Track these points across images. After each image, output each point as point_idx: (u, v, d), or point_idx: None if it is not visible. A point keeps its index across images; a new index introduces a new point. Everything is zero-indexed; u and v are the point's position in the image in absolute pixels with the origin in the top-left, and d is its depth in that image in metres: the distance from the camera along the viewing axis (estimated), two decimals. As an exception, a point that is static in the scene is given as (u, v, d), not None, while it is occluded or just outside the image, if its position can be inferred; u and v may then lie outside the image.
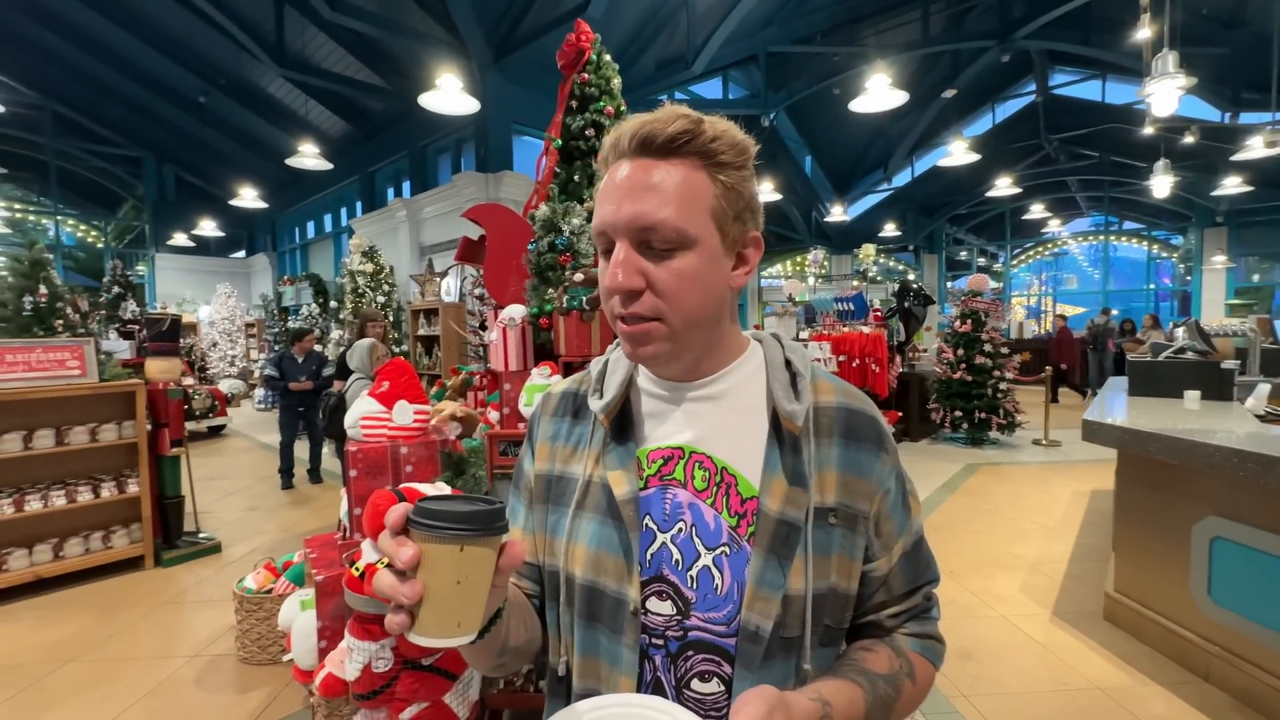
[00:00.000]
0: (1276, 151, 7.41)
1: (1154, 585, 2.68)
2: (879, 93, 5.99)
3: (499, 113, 8.52)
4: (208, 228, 13.05)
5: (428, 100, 5.72)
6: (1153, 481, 2.69)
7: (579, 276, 2.37)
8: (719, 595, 0.62)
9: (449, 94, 5.60)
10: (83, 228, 15.23)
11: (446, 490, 1.91)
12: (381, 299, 8.97)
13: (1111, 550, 3.13)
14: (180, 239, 14.30)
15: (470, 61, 8.18)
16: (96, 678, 2.58)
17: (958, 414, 6.89)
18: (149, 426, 3.86)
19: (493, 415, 2.63)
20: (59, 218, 14.24)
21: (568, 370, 2.35)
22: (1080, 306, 16.52)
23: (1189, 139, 9.07)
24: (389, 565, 0.47)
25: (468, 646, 0.52)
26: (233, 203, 10.52)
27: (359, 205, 12.00)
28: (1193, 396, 3.06)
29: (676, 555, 0.64)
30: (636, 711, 0.56)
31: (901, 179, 15.93)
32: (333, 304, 10.09)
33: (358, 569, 1.78)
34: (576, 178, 2.97)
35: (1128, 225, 15.45)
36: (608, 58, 3.01)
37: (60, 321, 3.90)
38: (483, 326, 5.26)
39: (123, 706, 2.37)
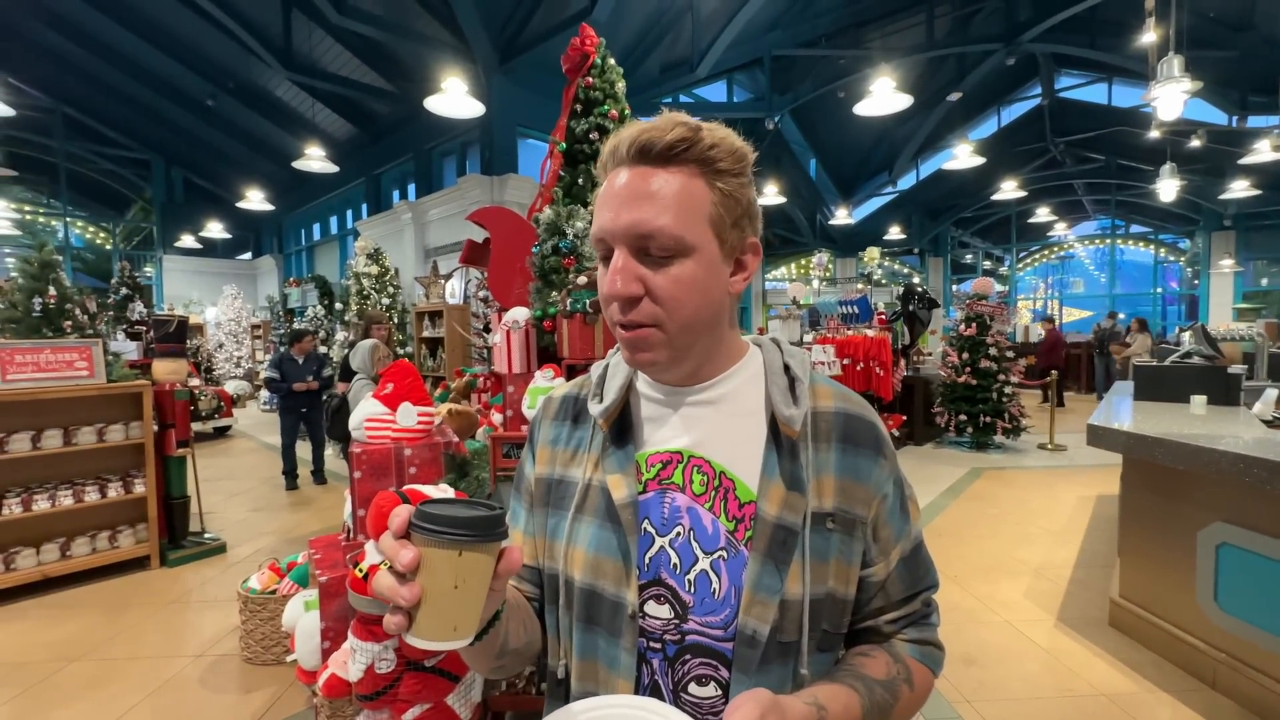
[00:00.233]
0: (1284, 155, 7.36)
1: (1160, 591, 2.67)
2: (884, 96, 5.98)
3: (504, 116, 8.55)
4: (215, 230, 13.16)
5: (433, 103, 5.75)
6: (1158, 487, 2.67)
7: (583, 280, 2.38)
8: (716, 599, 0.62)
9: (454, 97, 5.63)
10: (91, 229, 15.37)
11: (450, 492, 1.92)
12: (386, 301, 9.00)
13: (1117, 556, 3.11)
14: (187, 241, 14.42)
15: (475, 65, 8.22)
16: (102, 676, 2.60)
17: (962, 418, 6.86)
18: (155, 427, 3.88)
19: (496, 418, 2.64)
20: (68, 219, 14.37)
21: (571, 373, 2.36)
22: (1087, 310, 16.45)
23: (1196, 142, 9.01)
24: (390, 567, 0.48)
25: (466, 648, 0.52)
26: (239, 205, 10.59)
27: (365, 207, 12.07)
28: (1199, 401, 3.04)
29: (675, 559, 0.64)
30: (632, 713, 0.57)
31: (906, 182, 15.90)
32: (338, 306, 10.14)
33: (361, 570, 1.79)
34: (581, 181, 2.98)
35: (1134, 229, 15.35)
36: (612, 61, 3.02)
37: (69, 323, 3.94)
38: (487, 329, 5.29)
39: (128, 705, 2.39)
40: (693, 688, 0.63)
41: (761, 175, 10.06)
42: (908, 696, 0.67)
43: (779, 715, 0.54)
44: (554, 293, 2.56)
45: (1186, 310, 14.64)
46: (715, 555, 0.63)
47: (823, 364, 6.37)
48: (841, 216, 13.55)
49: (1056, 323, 10.77)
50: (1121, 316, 11.12)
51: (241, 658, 2.71)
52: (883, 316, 7.53)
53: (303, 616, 2.30)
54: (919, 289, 8.09)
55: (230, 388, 10.39)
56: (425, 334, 7.79)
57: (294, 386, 5.54)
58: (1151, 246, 15.19)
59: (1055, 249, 16.74)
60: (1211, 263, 12.82)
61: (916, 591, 0.70)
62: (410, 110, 9.25)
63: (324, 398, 5.99)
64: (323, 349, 9.32)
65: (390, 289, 9.16)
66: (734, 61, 10.52)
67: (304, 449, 6.10)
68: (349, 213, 13.15)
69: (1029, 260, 17.50)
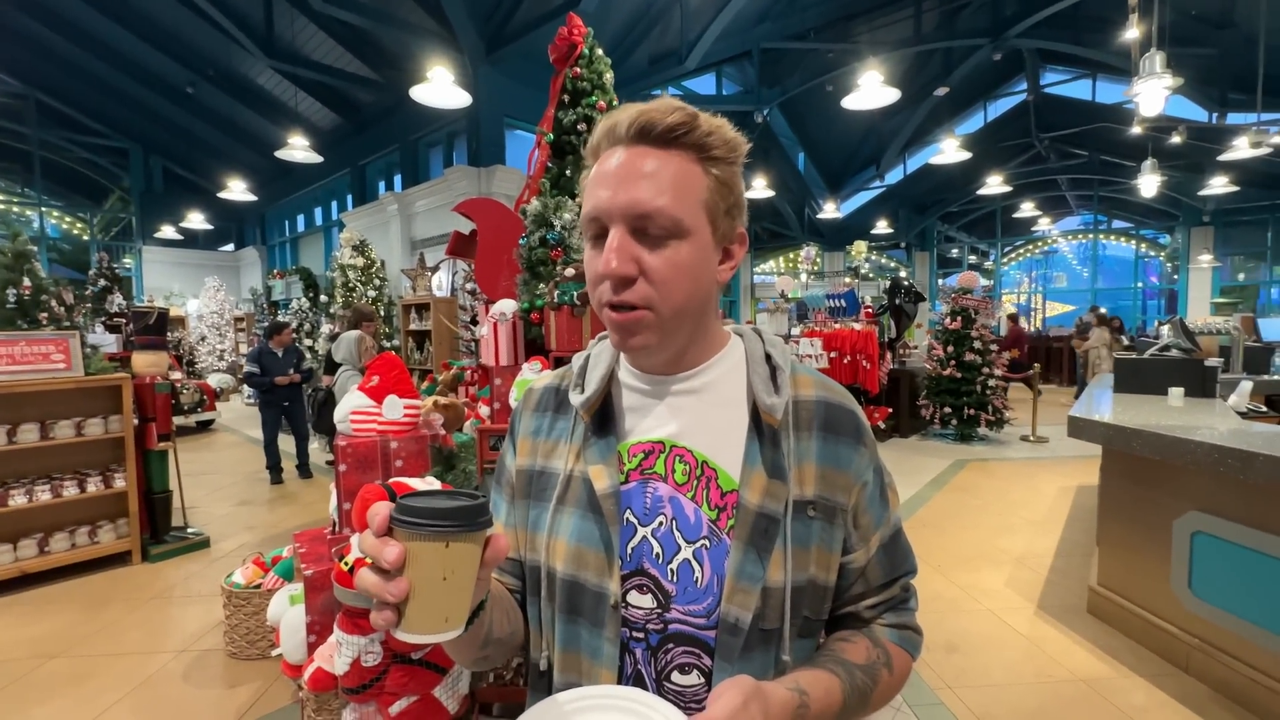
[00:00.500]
0: (1262, 152, 7.49)
1: (1136, 579, 2.73)
2: (872, 90, 6.00)
3: (491, 106, 8.47)
4: (196, 220, 12.92)
5: (419, 93, 5.67)
6: (1136, 477, 2.73)
7: (570, 272, 2.37)
8: (699, 588, 0.63)
9: (440, 87, 5.56)
10: (68, 220, 15.04)
11: (436, 485, 1.91)
12: (372, 293, 8.92)
13: (1095, 545, 3.17)
14: (168, 232, 14.12)
15: (462, 54, 8.13)
16: (83, 673, 2.57)
17: (947, 410, 6.95)
18: (136, 421, 3.82)
19: (483, 410, 2.63)
20: (43, 209, 14.05)
21: (558, 365, 2.35)
22: (1070, 304, 16.67)
23: (1176, 139, 9.14)
24: (372, 564, 0.48)
25: (451, 640, 0.52)
26: (221, 195, 10.39)
27: (350, 199, 11.91)
28: (1176, 393, 3.11)
29: (657, 549, 0.64)
30: (617, 703, 0.57)
31: (894, 176, 15.99)
32: (323, 298, 10.03)
33: (347, 564, 1.78)
34: (568, 172, 2.96)
35: (1116, 224, 15.58)
36: (600, 52, 3.00)
37: (45, 314, 3.85)
38: (474, 321, 5.25)
39: (110, 701, 2.36)
40: (676, 676, 0.64)
41: (750, 169, 10.05)
42: (887, 680, 0.68)
43: (762, 701, 0.54)
44: (541, 285, 2.55)
45: (1166, 304, 14.90)
46: (697, 544, 0.64)
47: (810, 357, 6.41)
48: (829, 210, 13.61)
49: (1020, 319, 10.91)
50: (1103, 310, 11.28)
51: (226, 653, 2.69)
52: (869, 310, 7.59)
53: (288, 611, 2.29)
54: (905, 283, 8.15)
55: (213, 381, 10.25)
56: (412, 326, 7.72)
57: (276, 380, 5.47)
58: (1133, 242, 15.44)
59: (1039, 244, 16.95)
60: (1190, 258, 13.05)
61: (895, 577, 0.71)
62: (396, 100, 9.14)
63: (309, 391, 5.92)
64: (307, 341, 9.22)
65: (376, 281, 9.07)
66: (723, 54, 10.50)
67: (287, 442, 6.04)
68: (333, 204, 12.99)
69: (1013, 255, 17.71)
